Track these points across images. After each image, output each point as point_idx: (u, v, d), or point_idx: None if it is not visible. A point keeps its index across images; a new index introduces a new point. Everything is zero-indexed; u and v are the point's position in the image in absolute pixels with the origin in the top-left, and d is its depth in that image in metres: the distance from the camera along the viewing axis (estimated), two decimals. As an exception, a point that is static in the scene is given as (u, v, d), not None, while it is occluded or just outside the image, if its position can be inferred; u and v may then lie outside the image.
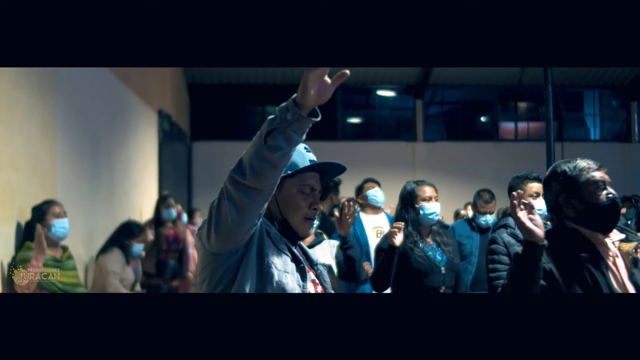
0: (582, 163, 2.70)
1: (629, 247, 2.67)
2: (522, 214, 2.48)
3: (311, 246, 4.39)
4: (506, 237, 3.61)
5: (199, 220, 9.79)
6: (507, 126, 14.97)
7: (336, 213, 4.52)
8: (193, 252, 7.15)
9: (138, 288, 6.17)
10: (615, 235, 2.69)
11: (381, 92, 14.67)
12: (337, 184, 6.56)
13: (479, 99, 14.98)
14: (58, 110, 5.46)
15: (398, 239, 4.01)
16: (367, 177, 6.20)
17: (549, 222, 2.99)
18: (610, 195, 2.64)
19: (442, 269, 4.12)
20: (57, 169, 5.39)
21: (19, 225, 4.61)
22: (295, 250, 2.30)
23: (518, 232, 3.38)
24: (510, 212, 2.55)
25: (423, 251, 4.14)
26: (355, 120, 15.16)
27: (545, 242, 2.46)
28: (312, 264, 2.43)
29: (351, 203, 4.29)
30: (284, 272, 2.19)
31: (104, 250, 5.84)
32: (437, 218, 4.26)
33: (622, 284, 2.58)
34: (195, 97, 13.67)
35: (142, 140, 8.87)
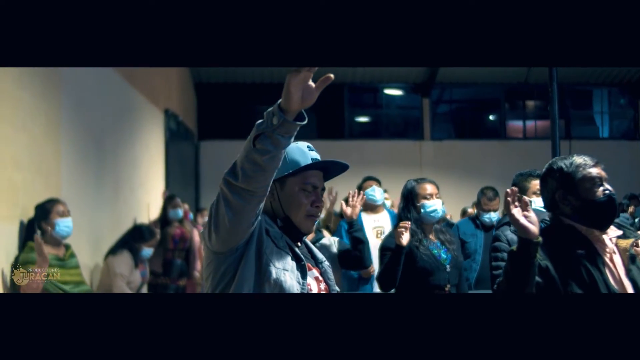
0: (579, 159, 2.69)
1: (626, 243, 2.65)
2: (517, 211, 2.47)
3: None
4: (509, 235, 3.61)
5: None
6: (515, 124, 14.94)
7: (342, 203, 4.57)
8: (200, 251, 7.16)
9: (144, 291, 6.19)
10: (613, 232, 2.68)
11: (388, 91, 14.65)
12: None
13: (486, 97, 14.94)
14: (62, 110, 5.49)
15: (405, 238, 4.00)
16: (369, 175, 6.18)
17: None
18: (607, 192, 2.63)
19: (447, 267, 4.11)
20: (61, 168, 5.41)
21: (22, 224, 4.63)
22: (296, 249, 2.32)
23: None
24: (505, 209, 2.55)
25: (428, 249, 4.13)
26: (362, 119, 15.14)
27: (540, 239, 2.45)
28: (317, 262, 2.46)
29: (356, 192, 4.53)
30: (282, 270, 2.21)
31: (114, 251, 5.85)
32: (439, 215, 4.24)
33: (619, 281, 2.57)
34: (202, 96, 13.68)
35: (148, 140, 8.90)
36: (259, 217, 2.20)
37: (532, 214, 2.47)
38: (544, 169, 2.82)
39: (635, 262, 2.61)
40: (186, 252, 7.25)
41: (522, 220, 2.45)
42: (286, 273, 2.21)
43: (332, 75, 1.92)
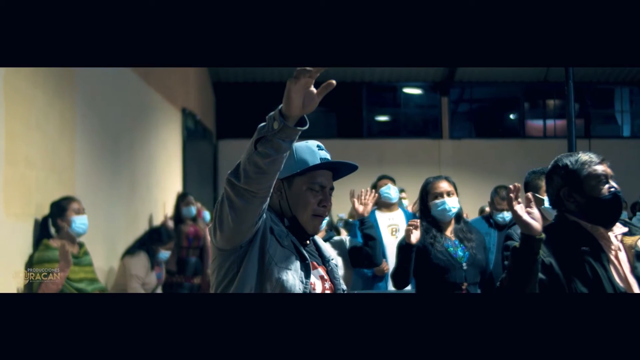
0: (584, 157, 2.67)
1: (632, 240, 2.63)
2: (520, 208, 2.46)
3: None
4: None
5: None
6: (535, 123, 14.84)
7: (355, 201, 4.57)
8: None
9: (159, 291, 6.22)
10: (618, 229, 2.66)
11: (407, 90, 14.62)
12: None
13: (505, 96, 14.87)
14: (77, 108, 5.52)
15: (414, 237, 3.98)
16: (384, 174, 6.18)
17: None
18: (612, 189, 2.61)
19: (464, 264, 4.08)
20: (75, 166, 5.44)
21: (36, 222, 4.66)
22: (301, 247, 2.32)
23: None
24: (508, 206, 2.53)
25: (443, 247, 4.11)
26: (381, 118, 15.11)
27: (543, 235, 2.43)
28: (324, 260, 2.45)
29: (368, 190, 4.54)
30: (285, 269, 2.22)
31: (131, 252, 5.89)
32: (451, 213, 4.21)
33: (624, 278, 2.55)
34: (220, 96, 13.71)
35: (165, 138, 8.93)
36: (263, 216, 2.21)
37: (535, 211, 2.45)
38: (549, 166, 2.80)
39: (641, 259, 2.59)
40: (200, 250, 7.28)
41: (525, 217, 2.43)
42: (289, 272, 2.21)
43: (334, 82, 1.92)
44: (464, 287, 4.03)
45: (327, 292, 2.37)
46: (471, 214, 10.15)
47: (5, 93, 4.18)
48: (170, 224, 7.06)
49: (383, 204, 5.82)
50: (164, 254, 5.99)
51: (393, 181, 6.01)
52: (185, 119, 9.98)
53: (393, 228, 5.65)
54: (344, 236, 4.77)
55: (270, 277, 2.19)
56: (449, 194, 4.20)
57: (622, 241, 2.63)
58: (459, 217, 4.29)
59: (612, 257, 2.58)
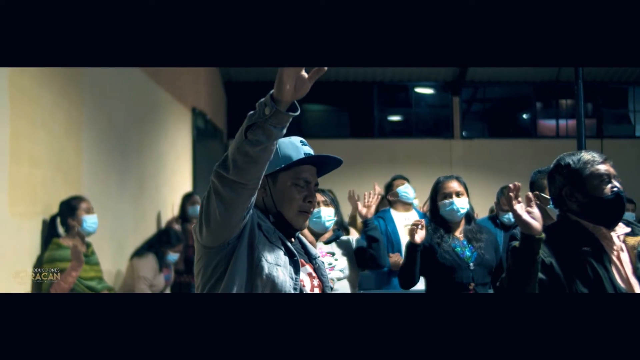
0: (587, 156, 2.64)
1: (634, 241, 2.60)
2: (519, 207, 2.44)
3: (328, 242, 4.39)
4: None
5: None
6: (547, 123, 14.76)
7: (359, 203, 4.56)
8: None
9: (167, 291, 6.23)
10: (621, 229, 2.63)
11: (418, 90, 14.58)
12: None
13: (516, 95, 14.80)
14: (84, 107, 5.53)
15: (419, 236, 3.98)
16: (398, 174, 6.18)
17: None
18: (615, 189, 2.58)
19: (471, 265, 4.06)
20: (82, 165, 5.45)
21: (44, 222, 4.68)
22: (289, 244, 2.30)
23: None
24: (507, 205, 2.51)
25: (450, 246, 4.10)
26: (392, 117, 15.08)
27: (543, 235, 2.41)
28: (311, 258, 2.43)
29: (371, 193, 4.56)
30: (274, 265, 2.19)
31: (139, 253, 5.90)
32: (459, 214, 4.19)
33: (626, 279, 2.52)
34: (232, 95, 13.70)
35: (175, 138, 8.93)
36: (251, 211, 2.18)
37: (535, 210, 2.43)
38: (551, 165, 2.77)
39: (643, 259, 2.56)
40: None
41: (525, 216, 2.41)
42: (279, 268, 2.19)
43: (325, 67, 1.91)
44: (471, 287, 4.02)
45: (316, 289, 2.35)
46: (482, 214, 10.08)
47: (10, 92, 4.19)
48: (177, 226, 7.06)
49: (400, 204, 5.82)
50: (173, 256, 5.99)
51: (408, 181, 6.02)
52: (195, 119, 9.98)
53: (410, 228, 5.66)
54: (351, 236, 4.76)
55: (260, 273, 2.16)
56: (458, 194, 4.18)
57: (624, 241, 2.61)
58: (469, 217, 4.27)
59: (614, 258, 2.55)
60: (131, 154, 6.94)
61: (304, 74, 1.91)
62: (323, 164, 2.41)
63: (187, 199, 7.55)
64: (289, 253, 2.26)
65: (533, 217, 2.41)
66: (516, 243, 2.45)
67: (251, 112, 1.96)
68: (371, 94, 14.15)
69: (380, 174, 6.16)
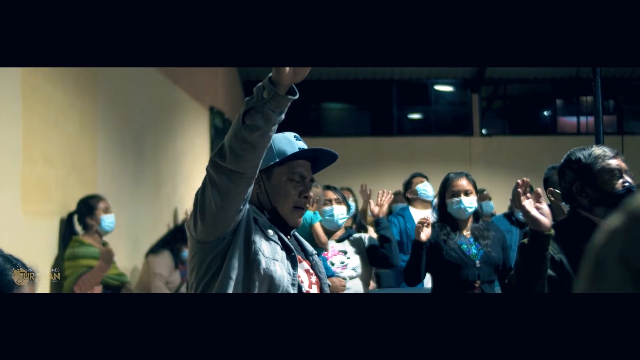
0: (598, 150, 2.59)
1: (646, 237, 2.55)
2: (528, 203, 2.40)
3: (340, 240, 4.37)
4: None
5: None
6: (568, 120, 14.65)
7: (371, 202, 4.55)
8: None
9: (183, 290, 6.25)
10: (633, 225, 2.58)
11: (437, 87, 14.53)
12: None
13: (536, 92, 14.72)
14: (99, 106, 5.54)
15: (424, 234, 3.96)
16: (417, 172, 6.17)
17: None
18: (626, 184, 2.53)
19: (477, 262, 4.03)
20: (97, 164, 5.47)
21: (61, 221, 4.71)
22: (286, 239, 2.26)
23: None
24: (515, 201, 2.47)
25: (456, 244, 4.07)
26: (411, 115, 15.04)
27: (552, 231, 2.37)
28: (307, 255, 2.41)
29: (385, 191, 4.49)
30: (272, 259, 2.15)
31: (155, 250, 5.92)
32: (467, 212, 4.16)
33: (637, 276, 2.47)
34: (250, 94, 13.69)
35: (192, 137, 8.94)
36: (247, 205, 2.15)
37: (544, 206, 2.39)
38: (562, 160, 2.73)
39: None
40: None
41: (534, 212, 2.37)
42: (276, 263, 2.15)
43: None
44: (477, 284, 3.99)
45: (314, 285, 2.31)
46: (502, 211, 10.05)
47: (23, 91, 4.20)
48: None
49: (419, 202, 5.82)
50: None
51: (426, 179, 6.00)
52: (213, 118, 10.00)
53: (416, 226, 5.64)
54: (363, 234, 4.74)
55: (257, 268, 2.12)
56: (467, 192, 4.14)
57: (636, 237, 2.55)
58: (477, 215, 4.24)
59: (625, 255, 2.50)
60: (147, 153, 6.95)
61: None
62: (318, 160, 2.38)
63: None
64: (286, 248, 2.22)
65: (542, 213, 2.37)
66: (525, 240, 2.41)
67: (248, 97, 1.94)
68: (390, 92, 14.11)
69: (399, 172, 6.15)
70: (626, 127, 13.37)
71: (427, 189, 5.81)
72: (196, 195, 2.10)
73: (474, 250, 4.07)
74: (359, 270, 4.30)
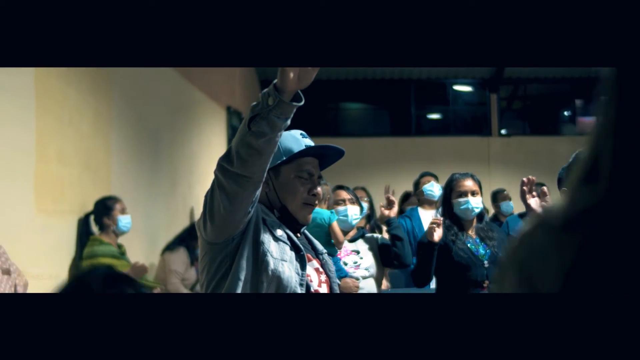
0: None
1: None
2: (534, 201, 2.38)
3: (353, 240, 4.36)
4: None
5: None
6: (588, 120, 14.54)
7: (380, 205, 4.54)
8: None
9: (198, 288, 6.27)
10: None
11: (456, 87, 14.47)
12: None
13: (555, 92, 14.62)
14: (114, 105, 5.56)
15: (437, 235, 3.93)
16: (425, 171, 6.12)
17: None
18: (634, 183, 2.50)
19: (485, 262, 4.01)
20: (112, 163, 5.48)
21: (79, 220, 4.74)
22: (295, 239, 2.26)
23: None
24: (521, 199, 2.46)
25: (465, 244, 4.06)
26: (430, 115, 14.99)
27: None
28: (318, 253, 2.40)
29: (391, 189, 4.54)
30: (280, 260, 2.15)
31: (170, 248, 5.95)
32: (474, 213, 4.14)
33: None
34: (268, 94, 13.72)
35: (209, 136, 8.95)
36: (256, 205, 2.15)
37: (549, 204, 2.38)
38: (569, 160, 2.71)
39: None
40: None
41: (539, 210, 2.36)
42: (284, 263, 2.15)
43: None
44: (485, 284, 3.97)
45: (323, 284, 2.31)
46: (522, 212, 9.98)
47: (37, 90, 4.22)
48: None
49: (426, 202, 5.76)
50: None
51: (436, 178, 5.94)
52: (230, 117, 10.00)
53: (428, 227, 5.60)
54: (376, 234, 4.73)
55: (266, 268, 2.13)
56: (473, 193, 4.12)
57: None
58: (481, 216, 4.22)
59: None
60: (163, 153, 6.97)
61: None
62: (325, 157, 2.38)
63: None
64: (295, 248, 2.22)
65: None
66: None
67: (254, 103, 1.93)
68: (408, 92, 14.07)
69: (417, 172, 6.10)
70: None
71: (433, 188, 5.74)
72: (205, 197, 2.12)
73: (481, 251, 4.06)
74: (372, 270, 4.28)
